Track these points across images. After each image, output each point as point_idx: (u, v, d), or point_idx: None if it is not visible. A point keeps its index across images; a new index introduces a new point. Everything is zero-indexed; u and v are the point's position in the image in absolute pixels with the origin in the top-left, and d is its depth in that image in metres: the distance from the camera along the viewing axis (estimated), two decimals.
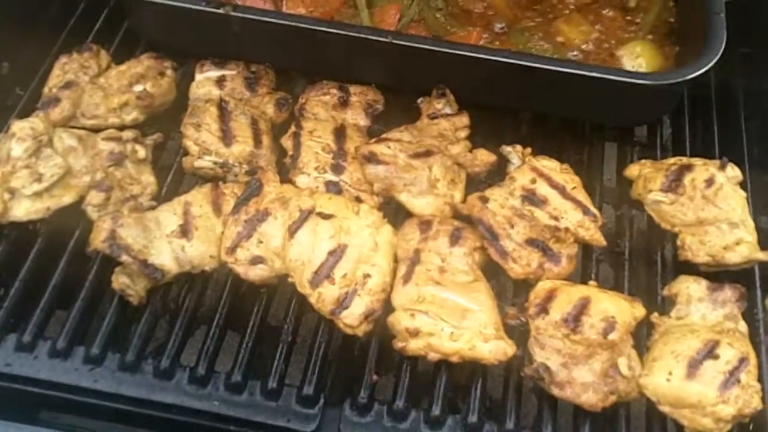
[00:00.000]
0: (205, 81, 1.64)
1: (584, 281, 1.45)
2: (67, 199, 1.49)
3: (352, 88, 1.65)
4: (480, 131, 1.66)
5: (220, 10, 1.55)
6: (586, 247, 1.50)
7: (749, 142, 1.71)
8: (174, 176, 1.58)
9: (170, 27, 1.66)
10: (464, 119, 1.62)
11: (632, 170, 1.59)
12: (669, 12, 1.79)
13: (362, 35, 1.54)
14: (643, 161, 1.59)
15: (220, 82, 1.64)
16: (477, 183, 1.58)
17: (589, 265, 1.50)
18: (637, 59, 1.71)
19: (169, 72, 1.64)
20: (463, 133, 1.61)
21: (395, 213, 1.54)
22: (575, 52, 1.73)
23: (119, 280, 1.39)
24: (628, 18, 1.78)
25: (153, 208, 1.48)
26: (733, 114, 1.79)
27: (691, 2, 1.72)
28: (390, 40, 1.54)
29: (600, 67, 1.58)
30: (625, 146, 1.72)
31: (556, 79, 1.53)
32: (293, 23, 1.56)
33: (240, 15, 1.55)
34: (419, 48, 1.54)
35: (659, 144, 1.72)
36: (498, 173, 1.59)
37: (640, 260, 1.52)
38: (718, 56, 1.52)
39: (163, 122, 1.65)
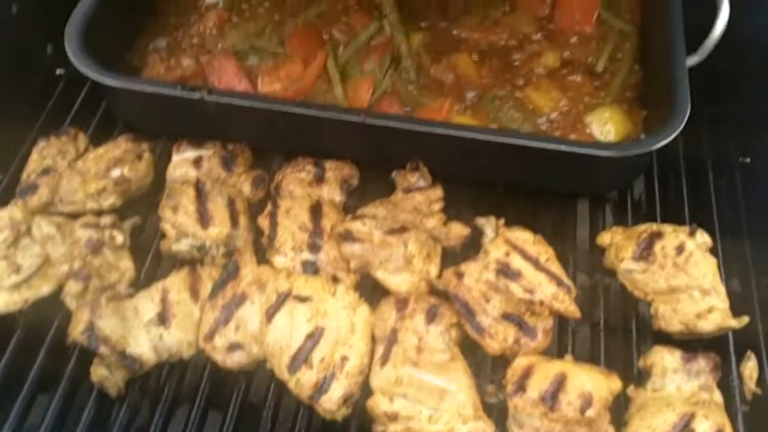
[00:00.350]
0: (181, 162, 1.67)
1: (560, 354, 1.47)
2: (46, 289, 1.50)
3: (328, 164, 1.67)
4: (454, 201, 1.69)
5: (195, 95, 1.58)
6: (561, 319, 1.52)
7: (718, 202, 1.74)
8: (152, 260, 1.60)
9: (147, 110, 1.69)
10: (438, 192, 1.64)
11: (604, 238, 1.61)
12: (635, 76, 1.83)
13: (335, 116, 1.58)
14: (614, 228, 1.62)
15: (196, 162, 1.66)
16: (452, 255, 1.61)
17: (565, 338, 1.51)
18: (606, 125, 1.74)
19: (146, 155, 1.66)
20: (438, 206, 1.64)
21: (372, 289, 1.55)
22: (545, 120, 1.76)
23: (98, 373, 1.40)
24: (596, 83, 1.81)
25: (131, 295, 1.48)
26: (702, 174, 1.82)
27: (655, 69, 1.77)
28: (363, 120, 1.57)
29: (567, 141, 1.61)
30: (597, 208, 1.75)
31: (525, 152, 1.56)
32: (267, 106, 1.59)
33: (215, 99, 1.58)
34: (391, 127, 1.58)
35: (630, 202, 1.75)
36: (473, 245, 1.61)
37: (616, 330, 1.54)
38: (682, 125, 1.56)
39: (141, 204, 1.66)
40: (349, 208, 1.66)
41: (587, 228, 1.72)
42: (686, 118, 1.57)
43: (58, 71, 1.92)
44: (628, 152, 1.54)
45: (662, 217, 1.70)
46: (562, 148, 1.54)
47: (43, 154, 1.67)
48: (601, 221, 1.72)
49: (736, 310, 1.51)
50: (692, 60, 1.69)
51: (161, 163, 1.71)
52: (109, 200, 1.61)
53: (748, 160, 1.84)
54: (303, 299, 1.44)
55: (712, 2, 1.70)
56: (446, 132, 1.57)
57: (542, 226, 1.67)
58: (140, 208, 1.66)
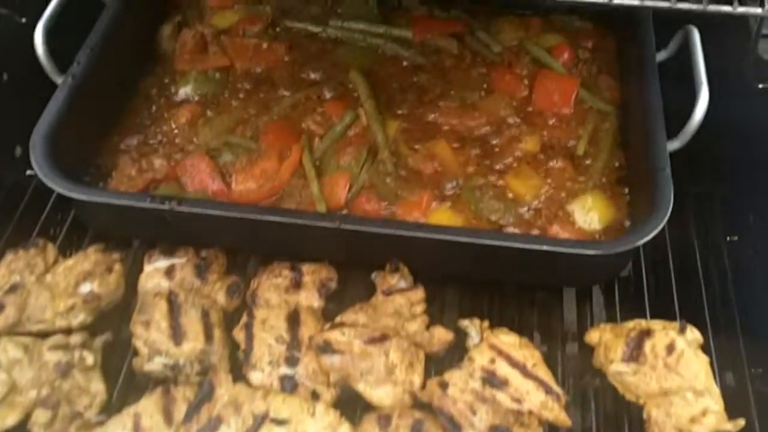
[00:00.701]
0: (153, 272, 1.61)
1: None
2: (12, 418, 1.43)
3: (305, 267, 1.62)
4: (437, 300, 1.65)
5: (165, 206, 1.54)
6: (551, 427, 1.46)
7: (707, 287, 1.70)
8: (125, 379, 1.53)
9: (116, 220, 1.65)
10: (419, 293, 1.59)
11: (592, 337, 1.56)
12: (617, 158, 1.79)
13: (309, 222, 1.54)
14: (602, 326, 1.57)
15: (169, 272, 1.60)
16: (436, 360, 1.56)
17: None
18: (589, 213, 1.70)
19: (116, 266, 1.61)
20: (420, 308, 1.58)
21: (354, 402, 1.50)
22: (527, 209, 1.72)
23: None
24: (578, 167, 1.78)
25: (102, 422, 1.42)
26: (690, 253, 1.78)
27: (635, 154, 1.74)
28: (338, 226, 1.53)
29: (549, 241, 1.56)
30: (584, 299, 1.70)
31: (506, 251, 1.52)
32: (238, 214, 1.55)
33: (185, 210, 1.54)
34: (367, 231, 1.53)
35: (617, 290, 1.70)
36: (458, 346, 1.56)
37: None
38: (666, 218, 1.52)
39: (113, 318, 1.61)
40: (329, 312, 1.61)
41: (575, 323, 1.67)
42: (669, 211, 1.53)
43: (29, 172, 1.87)
44: (611, 250, 1.50)
45: (651, 304, 1.66)
46: (545, 247, 1.50)
47: (11, 268, 1.62)
48: (589, 314, 1.67)
49: (731, 407, 1.45)
50: (673, 145, 1.65)
51: (133, 271, 1.65)
52: (79, 318, 1.56)
53: (735, 238, 1.81)
54: (280, 422, 1.38)
55: (692, 86, 1.68)
56: (424, 235, 1.53)
57: (528, 323, 1.63)
58: (112, 322, 1.60)
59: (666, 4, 1.48)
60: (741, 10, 1.47)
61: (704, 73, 1.63)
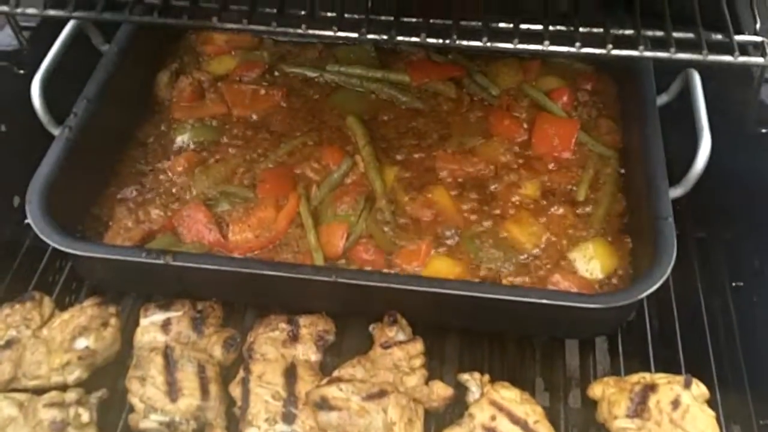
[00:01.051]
0: (149, 326, 1.59)
1: None
2: None
3: (302, 320, 1.60)
4: (437, 352, 1.62)
5: (160, 261, 1.52)
6: None
7: (713, 336, 1.67)
8: None
9: (113, 273, 1.64)
10: (418, 346, 1.56)
11: (595, 391, 1.53)
12: (619, 204, 1.77)
13: (305, 276, 1.52)
14: (605, 380, 1.53)
15: (165, 326, 1.59)
16: (436, 415, 1.53)
17: None
18: (591, 261, 1.68)
19: (112, 321, 1.59)
20: (419, 361, 1.55)
21: None
22: (527, 257, 1.70)
23: None
24: (579, 213, 1.75)
25: None
26: (695, 299, 1.74)
27: (637, 201, 1.71)
28: (335, 279, 1.51)
29: (549, 293, 1.54)
30: (587, 350, 1.65)
31: (505, 304, 1.50)
32: (234, 268, 1.54)
33: (180, 264, 1.53)
34: (364, 284, 1.52)
35: (620, 339, 1.65)
36: (458, 400, 1.52)
37: None
38: (669, 269, 1.49)
39: (109, 373, 1.58)
40: (326, 365, 1.59)
41: (577, 373, 1.63)
42: (673, 262, 1.51)
43: (27, 220, 1.87)
44: (612, 304, 1.47)
45: (655, 353, 1.63)
46: (544, 301, 1.48)
47: (7, 322, 1.60)
48: (592, 364, 1.63)
49: None
50: (675, 192, 1.62)
51: (129, 324, 1.64)
52: (75, 374, 1.54)
53: (741, 284, 1.78)
54: None
55: (694, 130, 1.65)
56: (421, 288, 1.51)
57: (530, 375, 1.60)
58: (107, 377, 1.57)
59: (665, 55, 1.46)
60: (742, 59, 1.45)
61: (706, 119, 1.61)
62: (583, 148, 1.86)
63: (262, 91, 1.96)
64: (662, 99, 1.80)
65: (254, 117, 1.93)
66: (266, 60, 2.02)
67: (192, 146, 1.87)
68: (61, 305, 1.67)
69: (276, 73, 2.02)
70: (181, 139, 1.88)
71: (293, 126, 1.91)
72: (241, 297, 1.65)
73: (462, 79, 1.98)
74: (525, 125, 1.90)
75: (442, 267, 1.68)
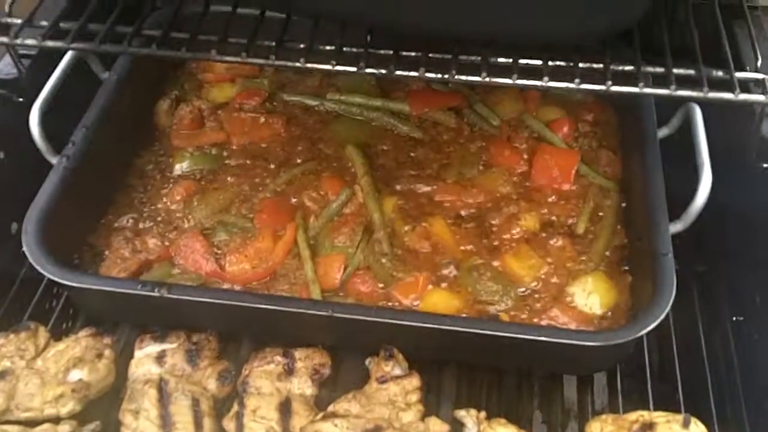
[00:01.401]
0: (144, 358, 1.58)
1: None
2: None
3: (298, 353, 1.59)
4: (433, 386, 1.60)
5: (155, 293, 1.52)
6: None
7: (713, 373, 1.65)
8: None
9: (108, 305, 1.64)
10: (414, 381, 1.55)
11: (593, 428, 1.49)
12: (619, 237, 1.76)
13: (301, 310, 1.51)
14: (603, 417, 1.51)
15: (160, 358, 1.57)
16: None
17: None
18: (590, 296, 1.66)
19: (107, 352, 1.58)
20: (415, 397, 1.54)
21: None
22: (526, 290, 1.68)
23: None
24: (578, 247, 1.74)
25: None
26: (694, 334, 1.73)
27: (637, 235, 1.70)
28: (331, 314, 1.50)
29: (548, 330, 1.53)
30: (585, 386, 1.64)
31: (503, 340, 1.48)
32: (229, 301, 1.53)
33: (175, 296, 1.52)
34: (360, 319, 1.50)
35: (619, 375, 1.64)
36: None
37: None
38: (668, 307, 1.48)
39: (102, 405, 1.57)
40: (322, 399, 1.57)
41: (575, 409, 1.61)
42: (672, 299, 1.49)
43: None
44: (611, 341, 1.46)
45: (654, 389, 1.61)
46: (542, 338, 1.47)
47: (2, 352, 1.59)
48: (590, 400, 1.62)
49: None
50: (675, 227, 1.61)
51: (124, 355, 1.62)
52: (68, 407, 1.52)
53: (741, 318, 1.76)
54: None
55: (694, 164, 1.64)
56: (418, 323, 1.50)
57: (527, 410, 1.59)
58: (101, 409, 1.56)
59: (665, 92, 1.45)
60: (743, 97, 1.44)
61: (707, 154, 1.60)
62: (583, 180, 1.85)
63: (262, 120, 1.95)
64: (663, 132, 1.79)
65: (253, 145, 1.93)
66: (267, 88, 2.02)
67: (191, 174, 1.87)
68: (57, 334, 1.66)
69: (276, 102, 2.02)
70: (180, 167, 1.87)
71: (292, 155, 1.91)
72: (237, 330, 1.64)
73: (462, 108, 1.97)
74: (525, 156, 1.89)
75: (440, 300, 1.66)
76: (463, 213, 1.80)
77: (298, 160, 1.89)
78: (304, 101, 2.01)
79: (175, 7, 1.74)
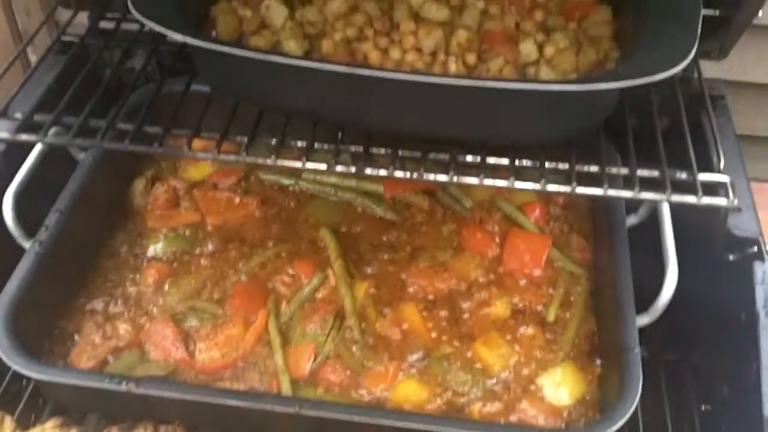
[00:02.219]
0: None
1: None
2: None
3: None
4: None
5: (122, 388, 1.51)
6: None
7: None
8: None
9: (75, 396, 1.62)
10: None
11: None
12: (589, 324, 1.77)
13: (269, 408, 1.50)
14: None
15: None
16: None
17: None
18: (559, 387, 1.66)
19: None
20: None
21: None
22: (496, 381, 1.69)
23: None
24: (548, 335, 1.75)
25: None
26: (661, 423, 1.74)
27: (605, 328, 1.71)
28: (298, 411, 1.50)
29: (514, 428, 1.54)
30: None
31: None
32: (195, 398, 1.52)
33: (142, 392, 1.51)
34: (327, 417, 1.50)
35: None
36: None
37: None
38: (635, 404, 1.49)
39: None
40: None
41: None
42: (639, 395, 1.50)
43: None
44: None
45: None
46: None
47: None
48: None
49: None
50: (642, 320, 1.62)
51: None
52: None
53: (709, 407, 1.77)
54: None
55: (660, 258, 1.66)
56: (386, 422, 1.50)
57: None
58: None
59: (629, 194, 1.47)
60: (705, 201, 1.46)
61: (673, 249, 1.62)
62: (554, 265, 1.86)
63: (237, 199, 1.96)
64: (631, 220, 1.82)
65: (228, 226, 1.93)
66: (243, 167, 2.03)
67: (164, 257, 1.86)
68: (24, 424, 1.65)
69: (252, 180, 2.03)
70: (154, 249, 1.87)
71: (266, 236, 1.91)
72: (205, 422, 1.63)
73: (435, 190, 1.99)
74: (497, 239, 1.90)
75: (409, 390, 1.66)
76: (434, 298, 1.81)
77: (271, 243, 1.90)
78: (280, 180, 2.02)
79: (156, 87, 1.77)
